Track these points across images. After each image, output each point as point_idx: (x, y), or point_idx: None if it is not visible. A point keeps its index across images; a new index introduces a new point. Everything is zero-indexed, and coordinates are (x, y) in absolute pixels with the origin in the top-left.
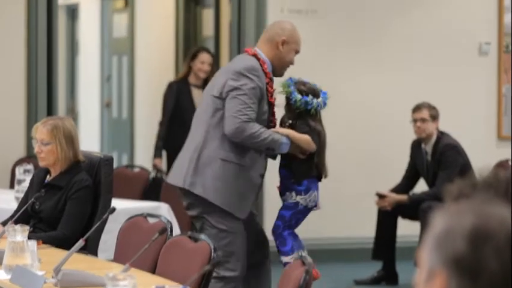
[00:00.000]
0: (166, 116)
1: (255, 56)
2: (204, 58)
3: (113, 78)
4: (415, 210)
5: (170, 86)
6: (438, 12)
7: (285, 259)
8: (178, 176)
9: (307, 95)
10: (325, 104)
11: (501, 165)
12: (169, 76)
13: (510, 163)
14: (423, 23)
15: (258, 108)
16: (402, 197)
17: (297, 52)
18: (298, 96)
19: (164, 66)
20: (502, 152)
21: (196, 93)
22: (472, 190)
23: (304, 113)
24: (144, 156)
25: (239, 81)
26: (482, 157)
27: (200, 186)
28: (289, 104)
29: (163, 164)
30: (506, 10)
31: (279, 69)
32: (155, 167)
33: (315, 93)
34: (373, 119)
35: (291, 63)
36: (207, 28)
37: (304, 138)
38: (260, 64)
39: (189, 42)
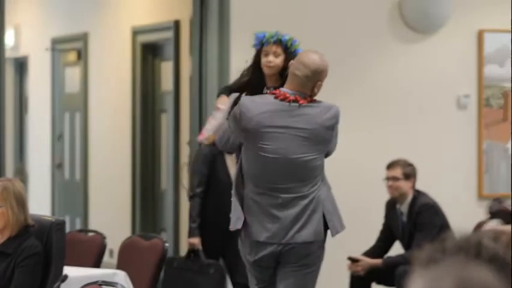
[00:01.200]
0: (201, 186)
1: None
2: None
3: (65, 137)
4: (390, 274)
5: (202, 150)
6: (416, 63)
7: None
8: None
9: None
10: None
11: (482, 225)
12: (126, 134)
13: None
14: (401, 75)
15: None
16: (377, 261)
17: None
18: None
19: (121, 123)
20: (483, 212)
21: (230, 158)
22: (441, 254)
23: None
24: (98, 220)
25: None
26: (462, 217)
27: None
28: None
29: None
30: (486, 61)
31: None
32: (192, 248)
33: None
34: (346, 177)
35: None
36: (166, 82)
37: None
38: None
39: (147, 97)
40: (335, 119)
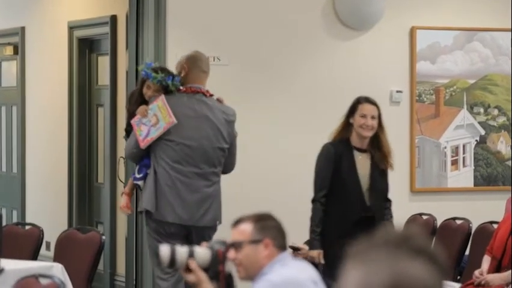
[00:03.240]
0: (324, 190)
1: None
2: (367, 110)
3: (1, 130)
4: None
5: (326, 146)
6: (349, 59)
7: None
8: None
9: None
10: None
11: (414, 219)
12: (63, 128)
13: (423, 217)
14: (335, 71)
15: None
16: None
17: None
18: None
19: (58, 117)
20: (415, 206)
21: (362, 157)
22: (372, 248)
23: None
24: (35, 212)
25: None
26: (395, 211)
27: None
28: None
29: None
30: (418, 57)
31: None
32: (312, 262)
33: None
34: (281, 171)
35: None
36: (103, 77)
37: None
38: None
39: (84, 91)
40: None
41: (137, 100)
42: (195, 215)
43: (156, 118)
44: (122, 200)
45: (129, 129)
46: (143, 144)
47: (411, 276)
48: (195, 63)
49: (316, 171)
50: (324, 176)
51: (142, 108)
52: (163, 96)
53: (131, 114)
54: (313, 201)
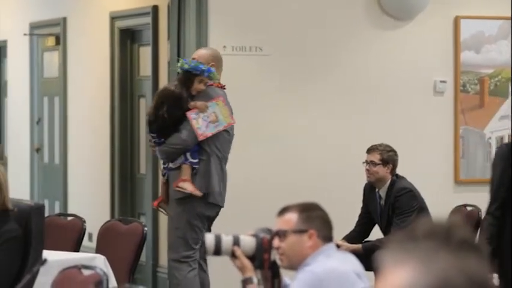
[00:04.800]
0: (498, 201)
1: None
2: None
3: (44, 121)
4: (369, 259)
5: (502, 148)
6: (393, 49)
7: None
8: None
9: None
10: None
11: (458, 211)
12: (104, 119)
13: (468, 209)
14: (379, 61)
15: None
16: (356, 246)
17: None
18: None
19: (100, 107)
20: (459, 197)
21: None
22: (413, 241)
23: None
24: (77, 204)
25: None
26: (439, 202)
27: None
28: None
29: None
30: (462, 47)
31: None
32: None
33: None
34: (325, 163)
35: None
36: (145, 67)
37: None
38: None
39: (125, 82)
40: None
41: (187, 100)
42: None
43: (215, 116)
44: (187, 187)
45: (155, 124)
46: (201, 138)
47: (461, 271)
48: (218, 63)
49: (491, 179)
50: (499, 184)
51: (202, 104)
52: (222, 97)
53: (178, 115)
54: (487, 213)
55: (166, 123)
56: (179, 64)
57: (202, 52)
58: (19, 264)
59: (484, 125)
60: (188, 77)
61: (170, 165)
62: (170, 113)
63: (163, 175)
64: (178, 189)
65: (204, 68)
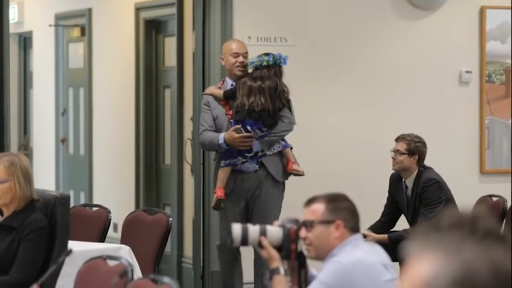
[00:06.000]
0: None
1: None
2: None
3: (69, 112)
4: (394, 249)
5: None
6: (418, 39)
7: None
8: None
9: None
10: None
11: (483, 201)
12: (129, 109)
13: (493, 199)
14: (404, 51)
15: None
16: (382, 237)
17: (233, 53)
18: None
19: (124, 98)
20: (484, 188)
21: None
22: (437, 232)
23: None
24: (103, 194)
25: None
26: (464, 193)
27: None
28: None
29: None
30: (488, 37)
31: (231, 75)
32: None
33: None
34: (349, 152)
35: (234, 64)
36: (170, 58)
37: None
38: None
39: (151, 72)
40: None
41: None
42: None
43: None
44: (299, 168)
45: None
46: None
47: (486, 262)
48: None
49: None
50: None
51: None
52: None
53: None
54: None
55: (276, 115)
56: (257, 62)
57: (241, 43)
58: (45, 254)
59: (509, 116)
60: (279, 69)
61: (267, 152)
62: (276, 105)
63: (223, 166)
64: (294, 171)
65: (282, 57)
